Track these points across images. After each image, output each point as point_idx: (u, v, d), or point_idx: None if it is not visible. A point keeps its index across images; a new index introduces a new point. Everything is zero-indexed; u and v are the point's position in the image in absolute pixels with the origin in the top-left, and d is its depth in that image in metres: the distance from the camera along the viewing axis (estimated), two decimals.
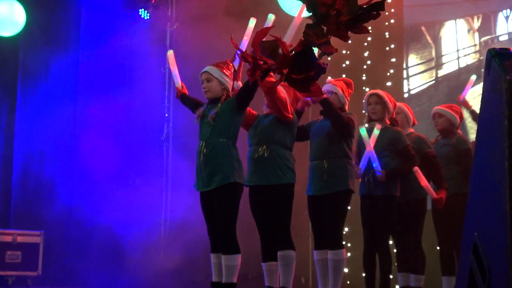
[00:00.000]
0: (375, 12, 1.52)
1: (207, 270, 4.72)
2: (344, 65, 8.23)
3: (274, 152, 4.33)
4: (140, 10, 8.15)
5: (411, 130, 5.23)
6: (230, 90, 4.29)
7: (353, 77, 7.97)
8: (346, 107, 4.73)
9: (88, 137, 7.45)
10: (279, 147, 4.35)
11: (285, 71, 1.60)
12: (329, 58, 8.34)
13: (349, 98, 4.75)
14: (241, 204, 4.20)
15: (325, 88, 4.65)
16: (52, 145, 7.67)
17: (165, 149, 8.12)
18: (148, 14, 8.14)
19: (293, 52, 1.59)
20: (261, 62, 1.59)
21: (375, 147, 4.74)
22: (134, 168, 7.71)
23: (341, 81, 4.77)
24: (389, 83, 7.81)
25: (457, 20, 7.62)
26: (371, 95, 4.91)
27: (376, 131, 4.70)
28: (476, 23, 7.42)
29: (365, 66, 8.08)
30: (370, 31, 7.98)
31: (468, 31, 7.49)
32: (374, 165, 4.69)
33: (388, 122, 4.86)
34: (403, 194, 4.87)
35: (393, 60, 7.94)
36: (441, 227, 5.22)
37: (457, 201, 5.01)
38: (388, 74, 7.89)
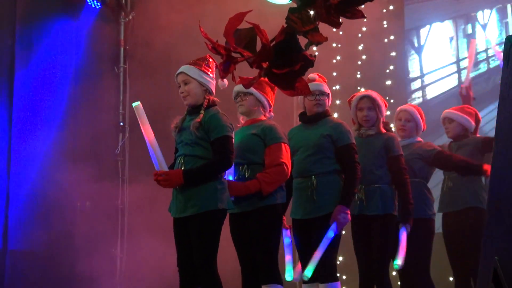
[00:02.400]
0: None
1: None
2: (334, 61, 8.27)
3: (257, 172, 4.34)
4: None
5: (419, 139, 5.28)
6: (214, 91, 4.29)
7: (345, 75, 8.10)
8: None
9: (25, 150, 7.35)
10: (260, 165, 4.36)
11: (265, 65, 1.59)
12: (316, 53, 8.36)
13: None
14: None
15: (314, 88, 4.63)
16: None
17: (120, 165, 8.06)
18: (99, 3, 8.11)
19: (274, 42, 1.59)
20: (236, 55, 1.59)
21: (367, 157, 4.76)
22: (83, 189, 7.63)
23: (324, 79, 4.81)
24: (388, 82, 7.85)
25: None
26: (362, 98, 4.89)
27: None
28: None
29: (359, 62, 8.12)
30: (366, 19, 8.05)
31: None
32: None
33: (383, 130, 4.87)
34: None
35: (393, 54, 7.99)
36: (455, 253, 5.26)
37: (475, 218, 5.09)
38: (388, 71, 7.94)
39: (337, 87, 8.01)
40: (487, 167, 4.99)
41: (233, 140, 4.19)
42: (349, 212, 4.39)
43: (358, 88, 7.52)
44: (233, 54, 1.60)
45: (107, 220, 7.81)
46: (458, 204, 5.26)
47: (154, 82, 7.68)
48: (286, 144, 4.43)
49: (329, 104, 4.73)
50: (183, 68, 4.28)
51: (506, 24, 7.45)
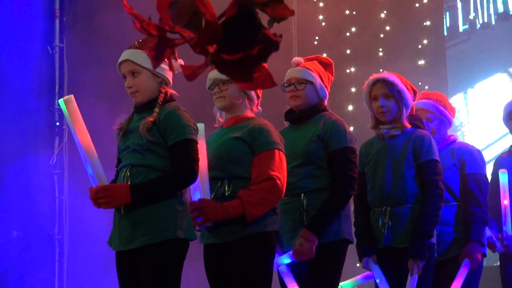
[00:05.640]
0: None
1: None
2: (348, 33, 8.29)
3: (239, 189, 4.31)
4: None
5: (453, 136, 5.28)
6: (171, 81, 4.27)
7: (363, 54, 8.12)
8: (326, 102, 4.77)
9: None
10: (246, 180, 4.36)
11: (211, 49, 1.59)
12: (323, 23, 8.40)
13: (329, 88, 4.78)
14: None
15: (293, 74, 4.67)
16: None
17: (57, 180, 8.08)
18: None
19: (224, 17, 1.59)
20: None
21: (391, 167, 4.76)
22: (7, 213, 7.66)
23: (316, 62, 4.78)
24: (422, 62, 7.87)
25: None
26: (375, 82, 4.83)
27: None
28: None
29: (382, 35, 8.14)
30: None
31: None
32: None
33: (408, 125, 4.83)
34: (441, 252, 4.94)
35: (427, 23, 8.00)
36: None
37: None
38: (420, 46, 7.96)
39: (352, 69, 8.03)
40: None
41: (197, 144, 4.17)
42: (315, 240, 4.40)
43: (381, 70, 7.53)
44: (169, 36, 1.60)
45: (40, 255, 7.84)
46: None
47: (100, 66, 7.69)
48: (281, 152, 4.39)
49: (324, 95, 4.72)
50: (129, 54, 4.22)
51: None
